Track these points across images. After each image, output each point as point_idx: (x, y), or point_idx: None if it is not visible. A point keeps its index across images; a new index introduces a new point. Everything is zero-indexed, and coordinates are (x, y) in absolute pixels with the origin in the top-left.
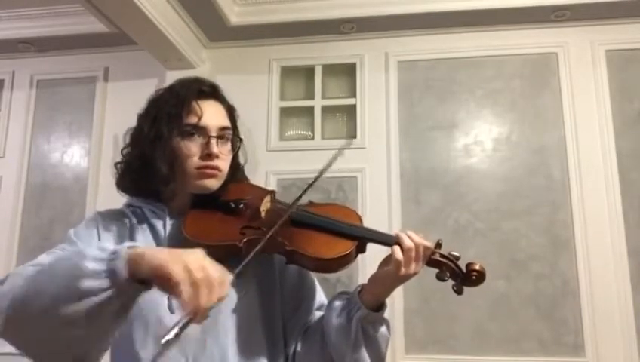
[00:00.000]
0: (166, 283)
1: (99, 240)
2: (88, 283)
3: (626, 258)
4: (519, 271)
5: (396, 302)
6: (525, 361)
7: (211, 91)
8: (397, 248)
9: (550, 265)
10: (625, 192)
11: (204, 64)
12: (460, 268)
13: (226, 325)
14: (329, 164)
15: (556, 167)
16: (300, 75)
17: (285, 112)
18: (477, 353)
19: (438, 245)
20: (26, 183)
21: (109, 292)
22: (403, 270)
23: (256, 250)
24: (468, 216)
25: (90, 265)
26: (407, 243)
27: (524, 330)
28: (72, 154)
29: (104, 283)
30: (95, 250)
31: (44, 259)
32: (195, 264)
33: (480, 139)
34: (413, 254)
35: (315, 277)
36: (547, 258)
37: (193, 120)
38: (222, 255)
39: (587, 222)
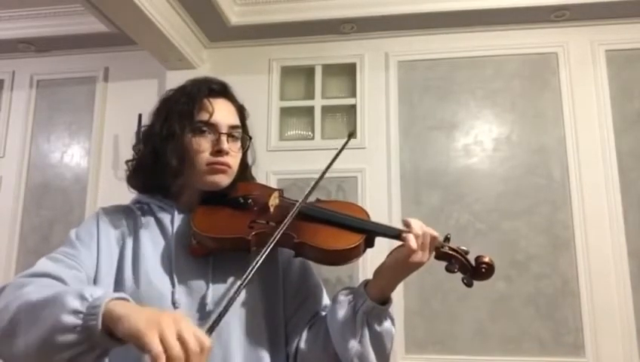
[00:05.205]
0: (141, 350)
1: (98, 240)
2: (64, 338)
3: (626, 258)
4: (519, 271)
5: (396, 302)
6: (525, 361)
7: (222, 90)
8: (411, 236)
9: (550, 265)
10: (625, 192)
11: (205, 64)
12: (469, 262)
13: (229, 323)
14: (341, 149)
15: (556, 167)
16: (300, 75)
17: (285, 112)
18: (477, 353)
19: (447, 239)
20: (26, 183)
21: (83, 346)
22: (413, 257)
23: (272, 241)
24: (468, 216)
25: (68, 319)
26: (418, 230)
27: (524, 330)
28: (72, 154)
29: (79, 338)
30: (75, 298)
31: (44, 265)
32: (172, 336)
33: (480, 139)
34: (421, 241)
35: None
36: (547, 258)
37: (204, 117)
38: (230, 248)
39: (587, 222)
